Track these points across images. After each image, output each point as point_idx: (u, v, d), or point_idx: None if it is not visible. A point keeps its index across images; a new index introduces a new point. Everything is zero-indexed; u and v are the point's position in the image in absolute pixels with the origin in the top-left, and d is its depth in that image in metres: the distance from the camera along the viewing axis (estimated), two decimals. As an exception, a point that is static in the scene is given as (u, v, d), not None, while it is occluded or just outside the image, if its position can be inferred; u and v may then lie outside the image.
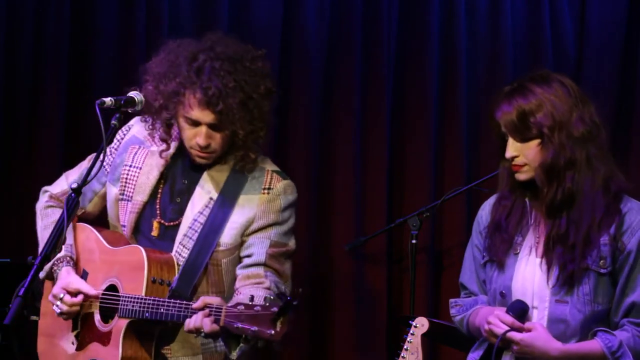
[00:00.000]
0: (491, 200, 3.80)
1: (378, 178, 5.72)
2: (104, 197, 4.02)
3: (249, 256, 3.82)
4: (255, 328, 3.37)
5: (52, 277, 3.94)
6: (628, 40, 5.78)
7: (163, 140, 3.89)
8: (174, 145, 3.92)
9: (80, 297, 3.81)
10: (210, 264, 3.80)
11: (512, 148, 3.60)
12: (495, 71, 5.76)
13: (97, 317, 3.84)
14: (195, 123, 3.76)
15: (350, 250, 5.62)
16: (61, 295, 3.80)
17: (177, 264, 3.79)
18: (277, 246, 3.84)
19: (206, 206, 3.83)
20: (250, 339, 3.40)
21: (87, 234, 3.98)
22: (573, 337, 3.56)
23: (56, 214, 4.00)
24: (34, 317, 3.37)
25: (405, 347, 3.73)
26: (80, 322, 3.89)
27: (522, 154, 3.59)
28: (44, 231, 4.00)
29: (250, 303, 3.42)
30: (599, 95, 5.62)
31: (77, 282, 3.83)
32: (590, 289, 3.54)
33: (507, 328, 3.52)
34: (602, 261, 3.55)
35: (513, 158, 3.61)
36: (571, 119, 3.55)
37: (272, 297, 3.41)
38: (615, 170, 3.62)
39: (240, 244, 3.84)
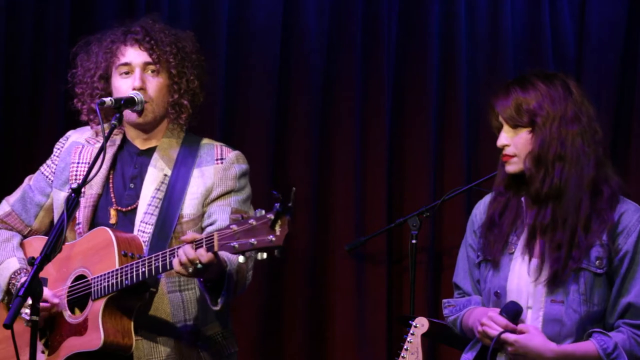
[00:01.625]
0: (486, 199, 3.80)
1: (378, 178, 5.72)
2: (50, 210, 4.00)
3: (212, 223, 3.82)
4: (253, 240, 3.32)
5: (10, 295, 3.87)
6: (628, 40, 5.78)
7: (97, 133, 3.93)
8: (118, 138, 3.94)
9: (47, 304, 3.76)
10: (175, 237, 3.79)
11: (504, 137, 3.64)
12: (495, 71, 5.76)
13: (66, 313, 3.78)
14: (129, 68, 3.84)
15: (350, 250, 5.62)
16: (28, 302, 3.70)
17: (143, 241, 3.77)
18: (238, 212, 3.82)
19: (162, 182, 3.84)
20: (251, 253, 3.34)
21: (35, 246, 3.94)
22: (568, 338, 3.55)
23: (2, 234, 3.98)
24: (34, 317, 3.36)
25: (405, 347, 3.73)
26: (47, 327, 3.83)
27: (513, 143, 3.61)
28: None
29: (242, 219, 3.38)
30: (598, 95, 5.64)
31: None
32: (586, 289, 3.54)
33: (501, 330, 3.52)
34: (598, 261, 3.54)
35: (504, 147, 3.63)
36: (566, 115, 3.57)
37: (262, 210, 3.35)
38: (611, 173, 3.62)
39: (202, 214, 3.84)
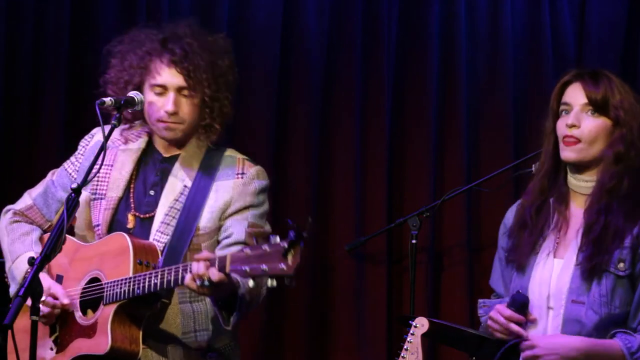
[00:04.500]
0: (518, 202, 3.78)
1: (378, 178, 5.72)
2: None
3: (228, 236, 3.83)
4: (264, 266, 3.32)
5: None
6: (628, 40, 5.78)
7: (128, 120, 3.91)
8: (143, 140, 3.93)
9: (57, 302, 3.78)
10: (190, 249, 3.79)
11: (574, 117, 3.59)
12: (495, 71, 5.76)
13: (77, 314, 3.79)
14: (164, 89, 3.80)
15: (350, 250, 5.62)
16: (42, 298, 3.74)
17: (159, 250, 3.78)
18: (255, 227, 3.84)
19: (181, 193, 3.84)
20: (261, 278, 3.35)
21: None
22: None
23: (23, 227, 3.99)
24: (34, 317, 3.36)
25: (405, 347, 3.73)
26: (59, 324, 3.84)
27: (584, 127, 3.58)
28: (11, 245, 3.96)
29: (256, 244, 3.39)
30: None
31: (54, 287, 3.79)
32: (607, 291, 3.52)
33: (504, 321, 3.52)
34: (621, 264, 3.53)
35: (571, 127, 3.58)
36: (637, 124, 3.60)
37: (276, 236, 3.36)
38: None
39: (218, 227, 3.84)
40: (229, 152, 3.94)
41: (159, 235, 3.81)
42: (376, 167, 5.73)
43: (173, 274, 3.59)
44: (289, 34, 5.72)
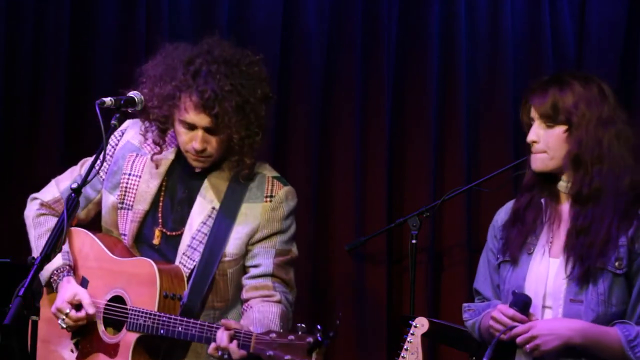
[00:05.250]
0: (508, 205, 3.80)
1: (378, 178, 5.72)
2: (98, 204, 3.99)
3: (255, 266, 3.83)
4: (288, 357, 3.35)
5: (50, 285, 3.91)
6: (628, 40, 5.79)
7: (156, 143, 3.87)
8: (172, 151, 3.90)
9: (82, 313, 3.78)
10: (217, 274, 3.80)
11: (534, 133, 3.63)
12: (495, 71, 5.76)
13: (101, 327, 3.81)
14: (192, 127, 3.76)
15: (350, 250, 5.62)
16: (67, 311, 3.76)
17: (185, 275, 3.77)
18: (282, 254, 3.84)
19: (209, 216, 3.82)
20: None
21: (83, 239, 3.94)
22: None
23: (50, 222, 3.97)
24: (34, 317, 3.37)
25: (405, 347, 3.73)
26: (81, 330, 3.85)
27: (544, 140, 3.61)
28: (38, 240, 3.96)
29: (282, 331, 3.42)
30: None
31: (81, 294, 3.79)
32: (605, 289, 3.54)
33: (507, 320, 3.52)
34: (618, 262, 3.54)
35: (532, 143, 3.63)
36: (601, 118, 3.59)
37: (304, 326, 3.38)
38: (639, 174, 3.62)
39: (244, 253, 3.84)
40: (260, 169, 3.91)
41: (186, 260, 3.80)
42: (376, 167, 5.73)
43: (197, 331, 3.61)
44: (289, 34, 5.72)
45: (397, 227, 5.56)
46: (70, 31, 5.52)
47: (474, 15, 5.79)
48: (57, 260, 3.86)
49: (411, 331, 3.74)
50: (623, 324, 3.52)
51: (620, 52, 5.78)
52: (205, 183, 3.85)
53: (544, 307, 3.59)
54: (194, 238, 3.80)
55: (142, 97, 3.78)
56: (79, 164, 4.03)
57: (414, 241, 5.38)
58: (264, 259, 3.82)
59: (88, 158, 3.98)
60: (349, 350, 5.64)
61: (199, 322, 3.62)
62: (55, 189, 4.01)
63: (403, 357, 3.72)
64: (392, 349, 5.49)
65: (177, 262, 3.79)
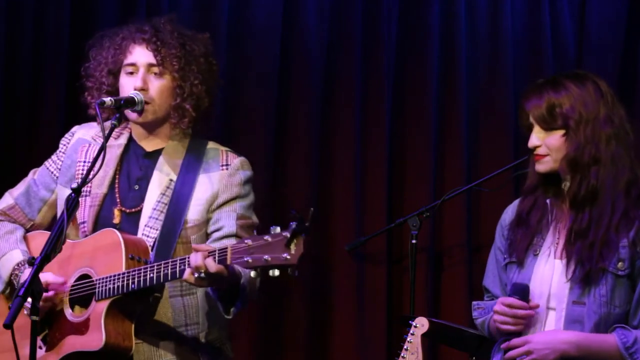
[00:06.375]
0: (516, 203, 3.80)
1: (378, 178, 5.72)
2: (53, 205, 4.00)
3: (218, 229, 3.85)
4: (267, 256, 3.33)
5: (11, 286, 3.89)
6: (628, 40, 5.78)
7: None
8: (125, 137, 3.95)
9: (51, 292, 3.76)
10: (180, 242, 3.80)
11: (535, 137, 3.63)
12: (495, 71, 5.76)
13: (68, 310, 3.78)
14: (134, 68, 3.85)
15: (350, 250, 5.62)
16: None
17: (149, 245, 3.78)
18: (243, 218, 3.86)
19: (167, 187, 3.85)
20: (264, 269, 3.34)
21: (41, 240, 3.88)
22: None
23: (6, 226, 3.99)
24: (34, 317, 3.36)
25: (405, 347, 3.73)
26: (47, 322, 3.82)
27: (545, 144, 3.61)
28: None
29: (257, 235, 3.40)
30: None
31: (45, 275, 3.74)
32: (607, 291, 3.53)
33: (507, 310, 3.53)
34: (620, 263, 3.53)
35: (535, 148, 3.63)
36: (599, 117, 3.58)
37: (277, 227, 3.36)
38: (638, 174, 3.62)
39: (206, 220, 3.86)
40: (211, 145, 3.96)
41: (148, 230, 3.81)
42: (376, 167, 5.73)
43: (170, 267, 3.59)
44: (289, 34, 5.72)
45: (397, 227, 5.56)
46: (70, 31, 5.52)
47: (474, 15, 5.79)
48: (17, 256, 3.89)
49: (411, 331, 3.74)
50: (622, 329, 3.51)
51: (620, 52, 5.78)
52: (161, 159, 3.89)
53: (548, 308, 3.58)
54: (154, 209, 3.82)
55: (142, 97, 3.82)
56: (31, 172, 4.07)
57: (414, 241, 5.38)
58: (226, 221, 3.84)
59: (37, 169, 4.05)
60: (349, 350, 5.64)
61: (169, 259, 3.62)
62: (9, 198, 4.05)
63: (403, 357, 3.72)
64: (392, 349, 5.49)
65: (139, 234, 3.80)
